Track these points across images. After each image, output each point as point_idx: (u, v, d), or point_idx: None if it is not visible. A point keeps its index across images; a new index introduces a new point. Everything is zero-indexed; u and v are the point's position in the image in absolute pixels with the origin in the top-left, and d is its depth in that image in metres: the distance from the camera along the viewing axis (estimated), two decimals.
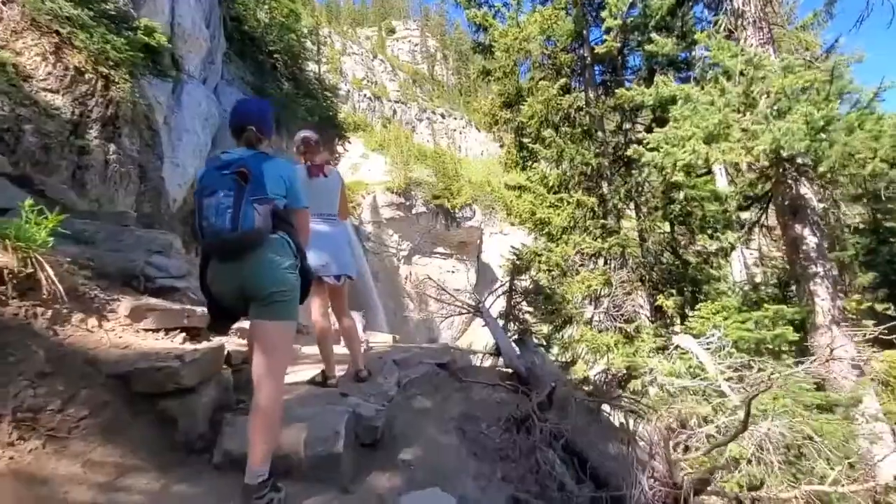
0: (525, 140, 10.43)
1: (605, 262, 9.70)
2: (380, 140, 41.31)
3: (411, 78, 53.72)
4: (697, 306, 6.79)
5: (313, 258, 3.05)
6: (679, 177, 6.32)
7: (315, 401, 2.85)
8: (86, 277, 2.73)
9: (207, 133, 16.79)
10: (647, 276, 8.77)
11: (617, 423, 4.37)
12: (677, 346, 5.49)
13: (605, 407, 5.03)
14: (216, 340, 2.79)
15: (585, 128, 8.73)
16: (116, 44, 6.65)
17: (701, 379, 4.48)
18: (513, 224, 40.29)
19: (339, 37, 50.79)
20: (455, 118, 53.19)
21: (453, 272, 37.92)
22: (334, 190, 3.36)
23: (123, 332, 2.56)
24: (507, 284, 7.38)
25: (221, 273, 2.06)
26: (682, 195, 8.68)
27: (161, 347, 2.54)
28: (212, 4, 19.30)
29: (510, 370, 5.32)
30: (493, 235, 40.79)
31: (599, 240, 8.55)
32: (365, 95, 47.80)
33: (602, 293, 8.52)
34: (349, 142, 29.15)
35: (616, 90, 8.97)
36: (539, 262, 9.62)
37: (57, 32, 6.24)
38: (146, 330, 2.65)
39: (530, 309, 7.60)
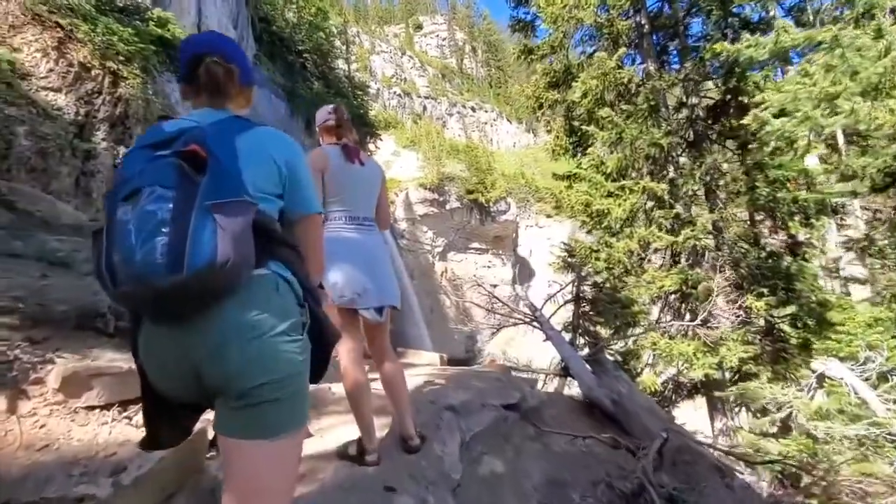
0: (575, 123, 9.18)
1: (673, 258, 8.39)
2: (411, 137, 40.47)
3: (440, 73, 52.56)
4: (836, 320, 5.44)
5: (343, 282, 2.14)
6: (818, 149, 4.95)
7: (344, 498, 1.88)
8: (8, 327, 1.83)
9: None
10: (729, 273, 7.42)
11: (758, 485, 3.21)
12: (821, 375, 4.23)
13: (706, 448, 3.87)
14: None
15: (652, 103, 7.42)
16: (124, 35, 5.93)
17: (868, 423, 3.24)
18: (549, 216, 38.76)
19: (367, 36, 50.22)
20: (486, 111, 51.72)
21: (489, 267, 36.72)
22: (374, 185, 2.33)
23: (50, 415, 1.63)
24: (572, 289, 6.24)
25: (158, 345, 1.08)
26: (768, 176, 7.29)
27: (103, 442, 1.59)
28: (239, 5, 18.80)
29: (587, 400, 4.23)
30: (529, 228, 39.27)
31: (670, 232, 7.26)
32: (394, 93, 47.06)
33: (674, 293, 7.24)
34: (380, 139, 28.42)
35: (685, 55, 7.60)
36: (596, 259, 8.41)
37: (59, 26, 5.58)
38: (89, 408, 1.72)
39: (598, 318, 6.43)
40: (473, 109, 50.76)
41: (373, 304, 2.22)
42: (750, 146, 7.69)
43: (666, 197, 7.38)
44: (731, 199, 7.46)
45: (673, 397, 8.67)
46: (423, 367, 4.81)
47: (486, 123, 50.82)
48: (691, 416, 10.46)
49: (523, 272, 38.08)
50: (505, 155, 46.88)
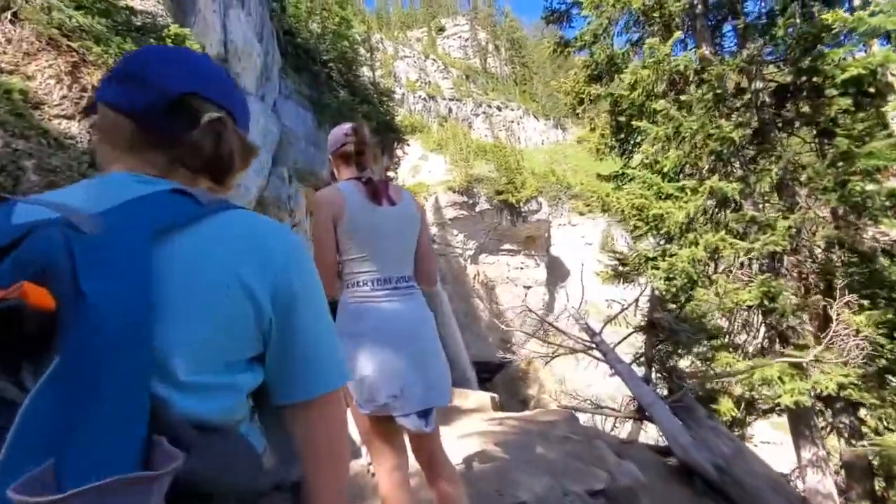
0: (622, 118, 8.27)
1: (741, 266, 7.38)
2: (437, 140, 39.93)
3: (464, 74, 51.82)
4: None
5: (374, 378, 1.53)
6: None
7: None
8: None
9: (267, 151, 16.07)
10: (816, 282, 6.39)
11: None
12: None
13: None
14: None
15: (718, 91, 6.44)
16: None
17: None
18: (581, 214, 37.39)
19: (390, 42, 50.07)
20: (512, 109, 50.62)
21: (522, 268, 35.75)
22: (411, 230, 1.71)
23: None
24: (638, 310, 5.40)
25: None
26: (855, 165, 6.21)
27: None
28: (263, 19, 18.66)
29: (682, 463, 3.42)
30: (562, 227, 38.05)
31: (746, 238, 6.29)
32: (420, 97, 46.66)
33: (752, 307, 6.27)
34: (408, 144, 27.95)
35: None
36: (654, 268, 7.50)
37: (73, 50, 5.21)
38: None
39: (677, 349, 5.54)
40: (499, 108, 49.77)
41: (416, 407, 1.56)
42: (837, 131, 6.62)
43: (737, 197, 6.41)
44: (814, 195, 6.41)
45: (745, 418, 7.65)
46: (472, 416, 4.12)
47: (512, 122, 49.73)
48: (767, 434, 9.33)
49: (557, 272, 36.86)
50: (533, 153, 45.69)
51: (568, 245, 37.83)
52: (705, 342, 5.52)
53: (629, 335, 5.52)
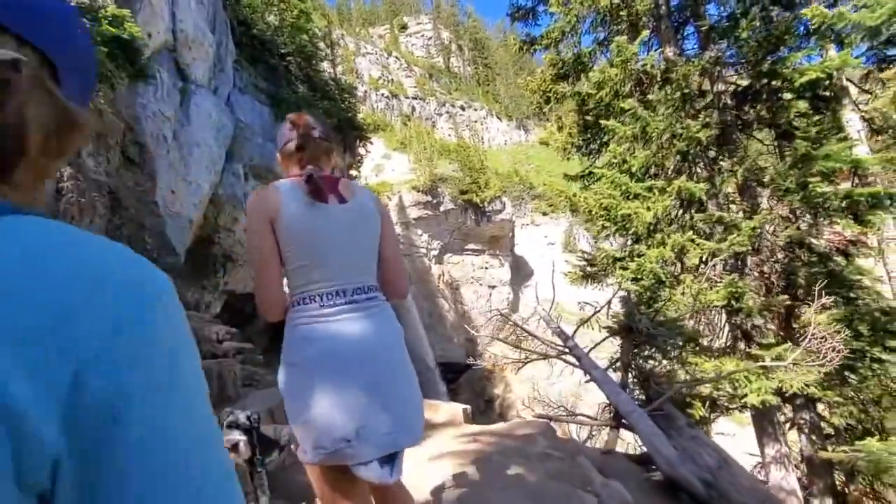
0: (589, 118, 8.19)
1: (705, 266, 7.44)
2: (401, 138, 39.40)
3: (427, 73, 51.44)
4: None
5: (323, 420, 1.22)
6: None
7: None
8: None
9: (221, 145, 15.15)
10: (778, 281, 6.48)
11: None
12: None
13: None
14: None
15: (685, 91, 6.42)
16: None
17: None
18: (545, 214, 37.87)
19: (351, 38, 49.01)
20: (475, 109, 50.70)
21: (487, 268, 35.82)
22: (368, 231, 1.43)
23: None
24: (622, 317, 5.24)
25: None
26: (816, 168, 6.34)
27: None
28: (216, 7, 17.62)
29: (668, 477, 3.24)
30: (525, 227, 38.40)
31: (712, 238, 6.29)
32: (382, 95, 45.91)
33: (717, 307, 6.28)
34: (370, 142, 27.31)
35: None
36: (622, 269, 7.44)
37: None
38: None
39: (653, 353, 5.41)
40: (463, 108, 49.73)
41: (377, 452, 1.24)
42: (796, 133, 6.74)
43: (704, 198, 6.41)
44: (775, 196, 6.50)
45: (710, 416, 7.72)
46: (442, 432, 3.80)
47: (476, 122, 49.82)
48: (723, 426, 9.50)
49: (521, 272, 37.18)
50: (497, 153, 45.94)
51: (531, 245, 38.24)
52: (680, 345, 5.45)
53: (604, 340, 5.36)
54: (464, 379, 33.84)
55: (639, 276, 6.93)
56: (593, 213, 7.82)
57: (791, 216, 6.92)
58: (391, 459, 1.28)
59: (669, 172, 7.31)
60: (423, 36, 55.23)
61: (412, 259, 32.69)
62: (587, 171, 8.43)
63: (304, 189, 1.32)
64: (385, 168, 37.24)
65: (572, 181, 8.93)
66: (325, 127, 1.57)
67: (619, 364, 5.14)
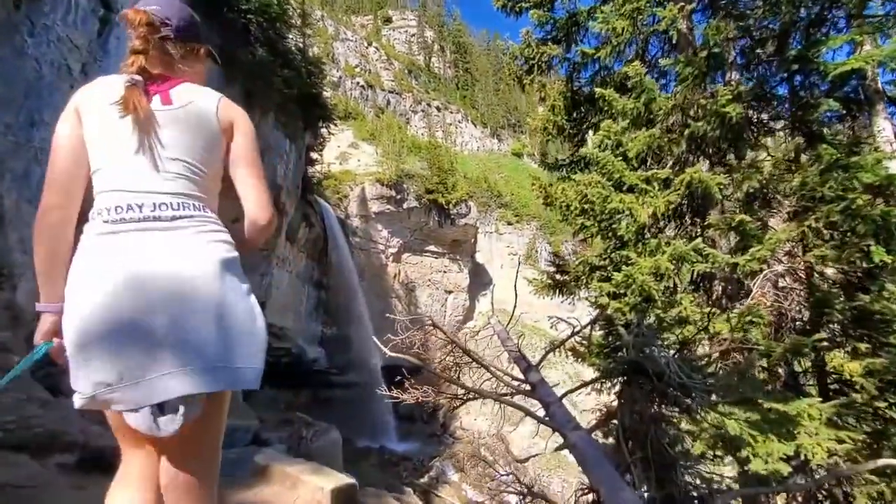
0: (579, 93, 6.56)
1: (698, 284, 5.92)
2: (371, 129, 37.19)
3: (407, 68, 49.48)
4: None
5: (83, 353, 1.05)
6: None
7: None
8: None
9: None
10: (791, 315, 5.00)
11: None
12: None
13: None
14: None
15: (715, 50, 4.84)
16: None
17: None
18: (510, 223, 36.57)
19: (332, 21, 46.45)
20: (451, 111, 49.14)
21: (445, 272, 34.06)
22: (199, 136, 1.20)
23: None
24: (624, 355, 3.49)
25: None
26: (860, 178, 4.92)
27: None
28: None
29: None
30: (489, 235, 36.99)
31: (716, 248, 4.73)
32: (357, 83, 43.57)
33: (751, 346, 4.67)
34: (335, 124, 25.06)
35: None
36: (602, 280, 5.81)
37: None
38: None
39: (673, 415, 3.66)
40: (438, 109, 48.03)
41: (143, 398, 1.06)
42: (824, 134, 5.32)
43: (719, 196, 4.84)
44: (801, 207, 5.02)
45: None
46: None
47: (451, 124, 48.24)
48: None
49: (479, 280, 35.67)
50: (468, 158, 44.50)
51: (493, 254, 36.86)
52: (726, 409, 3.70)
53: (593, 381, 3.57)
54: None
55: (621, 291, 5.28)
56: (572, 207, 6.16)
57: (825, 231, 5.43)
58: (172, 409, 1.08)
59: (671, 163, 5.74)
60: (406, 31, 53.28)
61: (368, 254, 30.48)
62: (571, 160, 6.78)
63: (117, 87, 1.17)
64: (351, 157, 34.91)
65: (552, 170, 7.27)
66: (184, 19, 1.32)
67: (614, 426, 3.38)
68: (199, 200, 1.19)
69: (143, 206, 1.10)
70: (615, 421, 3.47)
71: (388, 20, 53.96)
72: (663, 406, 3.36)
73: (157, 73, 1.23)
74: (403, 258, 32.22)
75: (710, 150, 5.25)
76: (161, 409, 1.08)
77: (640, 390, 3.28)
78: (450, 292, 33.76)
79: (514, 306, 4.06)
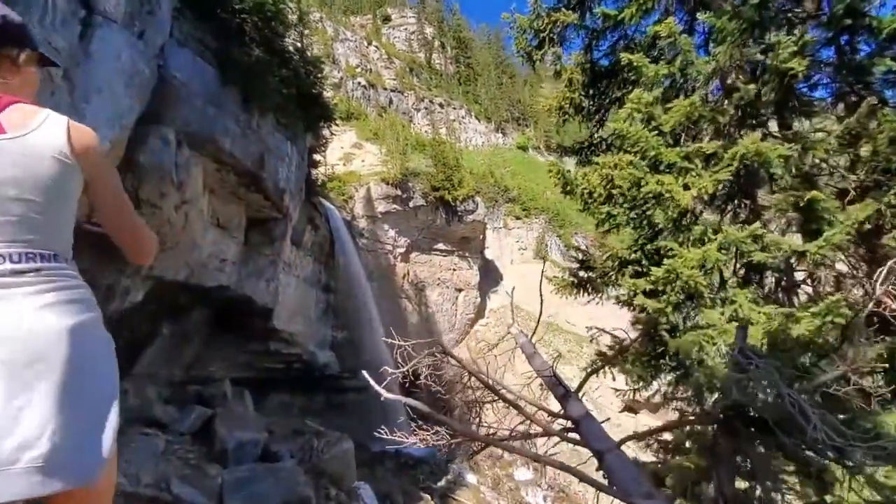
0: (599, 64, 5.75)
1: (754, 276, 5.10)
2: (374, 129, 36.52)
3: (408, 66, 48.70)
4: None
5: None
6: None
7: None
8: None
9: (133, 95, 11.90)
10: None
11: None
12: None
13: None
14: None
15: (765, 3, 4.02)
16: None
17: None
18: (518, 218, 35.69)
19: (331, 23, 45.84)
20: (454, 107, 48.30)
21: (455, 270, 33.32)
22: (44, 175, 0.96)
23: None
24: (726, 400, 2.69)
25: None
26: None
27: None
28: None
29: None
30: (497, 230, 36.17)
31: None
32: (359, 83, 42.91)
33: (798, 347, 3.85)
34: (336, 124, 24.34)
35: None
36: (634, 275, 5.03)
37: None
38: None
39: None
40: (441, 106, 47.22)
41: None
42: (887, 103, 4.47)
43: (780, 171, 4.04)
44: (874, 182, 4.18)
45: None
46: None
47: (454, 120, 47.41)
48: None
49: (489, 277, 34.90)
50: (473, 154, 43.69)
51: (502, 249, 36.04)
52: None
53: (668, 428, 2.71)
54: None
55: (660, 288, 4.48)
56: (595, 194, 5.38)
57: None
58: None
59: (707, 138, 4.92)
60: (405, 29, 52.48)
61: (376, 255, 29.85)
62: (591, 141, 5.98)
63: None
64: (355, 158, 34.29)
65: (570, 155, 6.47)
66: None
67: (703, 492, 2.54)
68: (46, 248, 1.00)
69: None
70: (706, 484, 2.66)
71: (387, 19, 53.21)
72: (792, 469, 2.55)
73: None
74: (412, 258, 31.55)
75: (764, 118, 4.43)
76: None
77: (751, 446, 2.49)
78: (460, 290, 33.03)
79: (540, 314, 3.30)
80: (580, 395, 2.64)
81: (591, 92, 5.85)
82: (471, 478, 21.58)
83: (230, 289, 16.26)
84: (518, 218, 35.71)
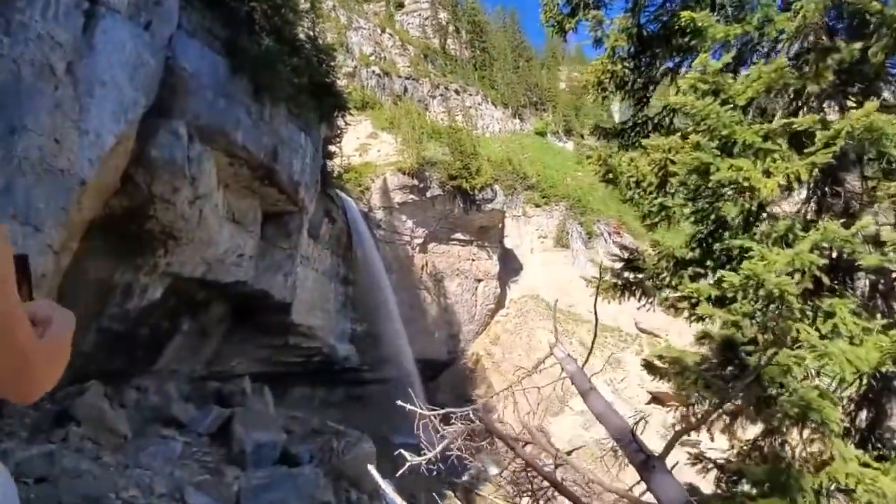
0: (647, 28, 4.86)
1: (836, 279, 4.23)
2: (389, 118, 35.68)
3: (422, 53, 47.46)
4: None
5: None
6: None
7: None
8: None
9: (139, 87, 11.40)
10: None
11: None
12: None
13: None
14: None
15: None
16: None
17: None
18: (537, 205, 34.48)
19: (343, 11, 44.86)
20: (470, 94, 47.00)
21: (474, 260, 32.56)
22: None
23: None
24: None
25: None
26: None
27: None
28: None
29: None
30: (516, 218, 35.16)
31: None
32: (373, 72, 42.01)
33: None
34: (350, 113, 23.66)
35: None
36: (694, 278, 4.23)
37: None
38: None
39: None
40: (457, 92, 45.98)
41: None
42: None
43: (894, 151, 3.17)
44: None
45: None
46: None
47: (470, 107, 46.16)
48: None
49: (509, 266, 34.03)
50: (490, 140, 42.51)
51: (522, 238, 35.07)
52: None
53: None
54: (444, 377, 30.69)
55: (733, 296, 3.66)
56: (645, 183, 4.54)
57: None
58: None
59: (779, 114, 4.02)
60: (419, 15, 51.09)
61: (394, 246, 29.28)
62: (635, 121, 5.13)
63: None
64: (371, 148, 33.60)
65: (605, 138, 5.62)
66: None
67: None
68: None
69: None
70: None
71: (400, 5, 51.88)
72: None
73: None
74: (430, 248, 30.90)
75: (872, 86, 3.53)
76: None
77: None
78: (479, 280, 32.29)
79: (594, 336, 2.57)
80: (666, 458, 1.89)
81: (636, 63, 4.98)
82: (494, 471, 21.18)
83: (248, 284, 15.89)
84: (537, 205, 34.61)
